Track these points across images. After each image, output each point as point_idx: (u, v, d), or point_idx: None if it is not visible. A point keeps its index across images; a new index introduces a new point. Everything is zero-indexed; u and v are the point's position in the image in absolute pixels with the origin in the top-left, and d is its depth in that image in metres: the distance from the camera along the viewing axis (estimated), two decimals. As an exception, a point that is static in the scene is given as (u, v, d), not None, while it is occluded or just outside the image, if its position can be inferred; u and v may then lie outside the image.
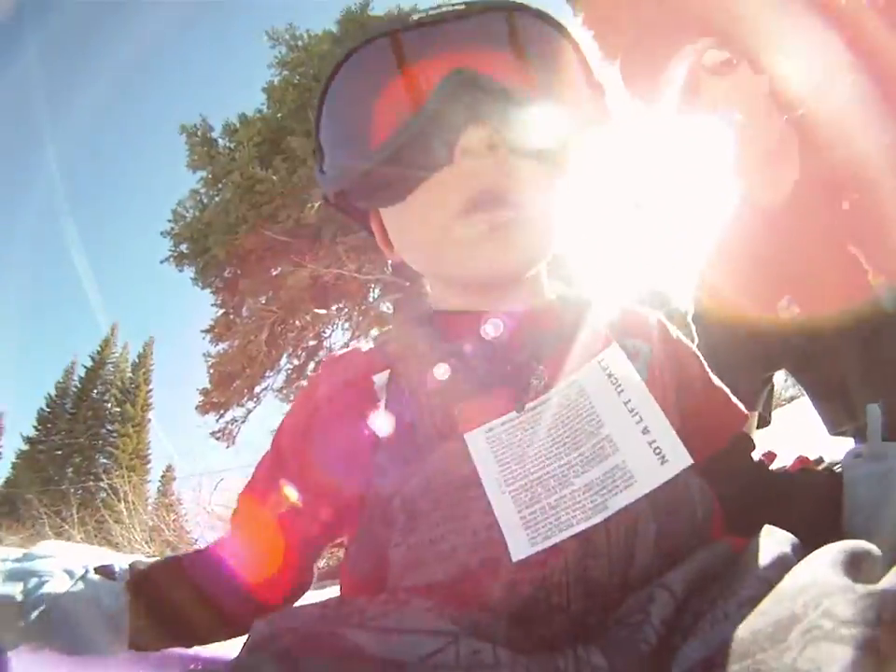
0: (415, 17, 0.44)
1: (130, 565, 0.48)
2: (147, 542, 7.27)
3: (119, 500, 8.45)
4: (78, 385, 22.39)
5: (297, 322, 8.16)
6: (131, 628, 0.44)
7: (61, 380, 22.41)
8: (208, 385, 8.52)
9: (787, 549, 0.35)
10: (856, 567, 0.30)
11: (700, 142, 0.98)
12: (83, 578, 0.45)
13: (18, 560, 0.46)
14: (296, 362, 8.71)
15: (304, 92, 8.56)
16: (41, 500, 12.18)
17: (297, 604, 0.46)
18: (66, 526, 8.42)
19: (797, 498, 0.49)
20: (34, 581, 0.43)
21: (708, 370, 0.55)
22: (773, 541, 0.36)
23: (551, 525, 0.36)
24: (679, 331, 0.56)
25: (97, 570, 0.46)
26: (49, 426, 22.02)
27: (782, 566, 0.32)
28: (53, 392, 22.24)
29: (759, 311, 0.99)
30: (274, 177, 7.64)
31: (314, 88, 8.68)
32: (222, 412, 8.63)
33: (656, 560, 0.37)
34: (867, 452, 0.48)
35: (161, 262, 8.72)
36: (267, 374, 8.47)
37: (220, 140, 8.93)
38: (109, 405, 22.32)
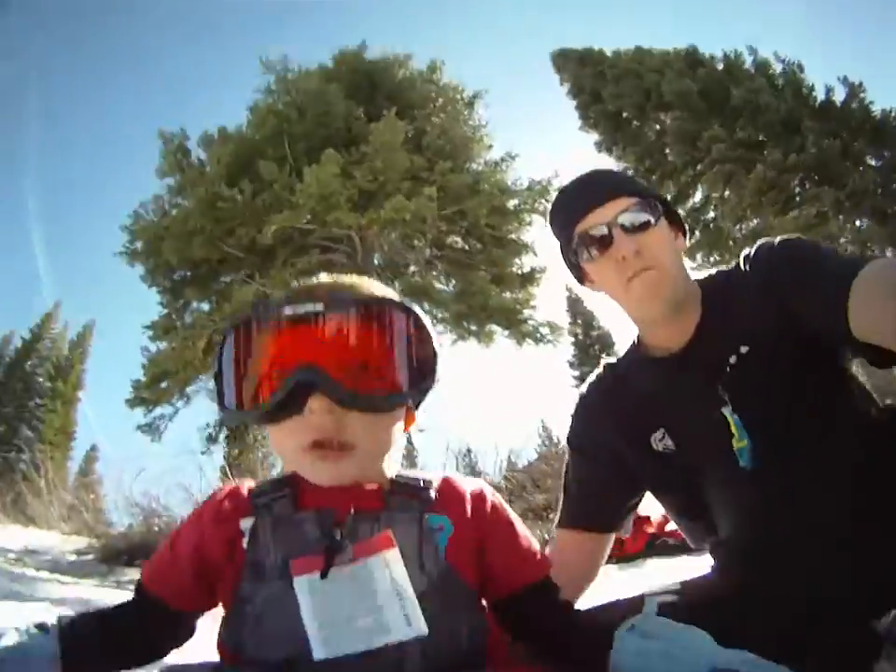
0: (285, 312, 0.61)
1: (58, 620, 0.64)
2: (64, 520, 7.03)
3: (39, 475, 8.09)
4: (12, 356, 21.64)
5: (237, 335, 8.23)
6: (64, 666, 0.60)
7: None
8: (141, 378, 8.53)
9: None
10: None
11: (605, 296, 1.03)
12: (27, 633, 0.60)
13: None
14: None
15: (283, 121, 8.87)
16: None
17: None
18: None
19: (575, 644, 0.64)
20: None
21: (518, 527, 0.71)
22: None
23: (339, 645, 0.56)
24: (495, 499, 0.71)
25: (37, 626, 0.62)
26: None
27: None
28: None
29: (634, 440, 1.03)
30: (239, 197, 7.84)
31: (293, 119, 9.02)
32: (151, 407, 8.66)
33: None
34: (638, 627, 0.58)
35: (115, 255, 8.82)
36: (200, 377, 8.49)
37: (195, 151, 9.16)
38: (41, 380, 21.71)
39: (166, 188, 8.84)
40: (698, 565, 1.08)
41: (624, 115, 12.27)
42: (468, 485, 0.71)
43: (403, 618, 0.57)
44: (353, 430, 0.61)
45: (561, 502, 1.15)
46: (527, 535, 0.71)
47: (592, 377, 1.14)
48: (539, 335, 9.22)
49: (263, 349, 0.64)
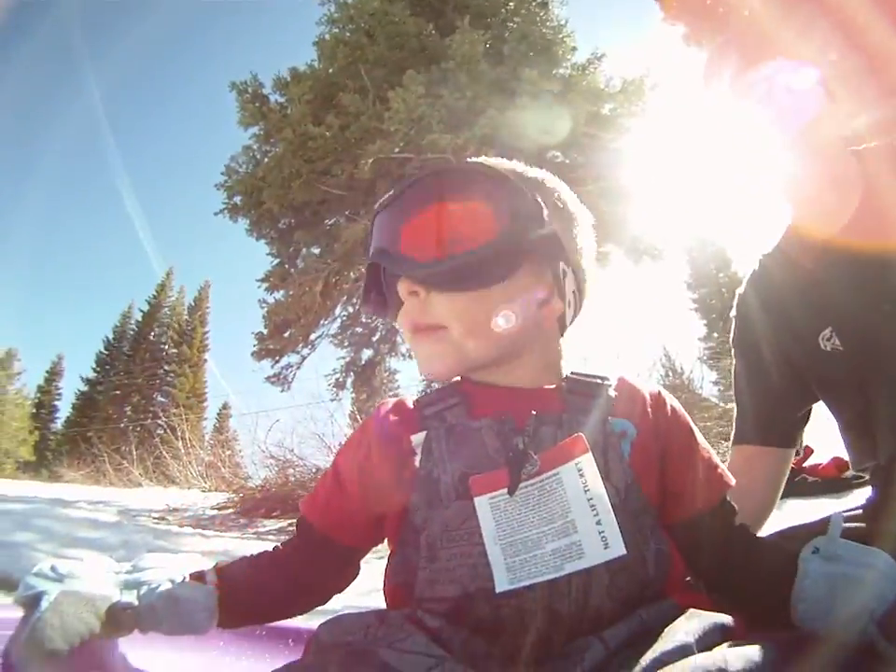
0: (381, 203, 0.63)
1: (215, 568, 0.61)
2: (202, 477, 7.41)
3: (176, 438, 8.66)
4: (135, 329, 23.06)
5: (351, 274, 8.40)
6: (221, 615, 0.58)
7: (118, 324, 23.24)
8: (263, 331, 8.85)
9: (711, 627, 0.48)
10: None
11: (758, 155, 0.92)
12: (183, 583, 0.58)
13: (129, 572, 0.58)
14: (350, 310, 8.96)
15: (355, 49, 8.57)
16: (100, 438, 13.03)
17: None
18: (125, 463, 8.82)
19: (757, 572, 0.59)
20: (145, 588, 0.56)
21: (699, 438, 0.64)
22: (701, 620, 0.49)
23: (525, 572, 0.50)
24: (674, 403, 0.64)
25: (192, 576, 0.59)
26: (107, 367, 23.06)
27: (688, 650, 0.44)
28: (111, 335, 23.09)
29: (801, 345, 0.96)
30: (327, 133, 7.77)
31: (364, 45, 8.65)
32: (277, 358, 9.00)
33: (608, 604, 0.51)
34: (823, 550, 0.54)
35: (216, 214, 9.03)
36: (321, 322, 8.76)
37: (272, 96, 9.03)
38: (166, 347, 22.94)
39: (253, 137, 8.85)
40: (841, 506, 0.99)
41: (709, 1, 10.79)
42: (645, 386, 0.65)
43: (599, 537, 0.51)
44: (439, 311, 0.59)
45: (735, 417, 1.08)
46: (708, 447, 0.64)
47: (750, 275, 1.07)
48: (656, 251, 8.71)
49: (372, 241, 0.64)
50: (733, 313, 1.09)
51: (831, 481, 2.69)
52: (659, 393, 0.65)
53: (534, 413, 0.57)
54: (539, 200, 0.61)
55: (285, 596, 0.63)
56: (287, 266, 8.71)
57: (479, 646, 0.50)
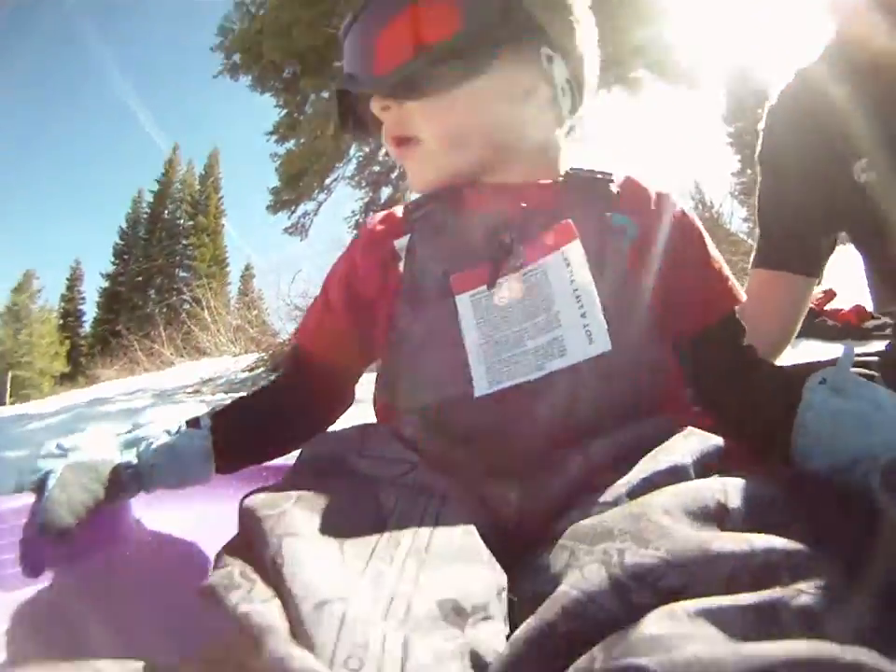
0: (348, 24, 0.60)
1: (210, 412, 0.60)
2: (232, 343, 7.20)
3: (202, 309, 8.43)
4: (148, 211, 22.70)
5: (365, 109, 8.40)
6: (218, 459, 0.58)
7: (130, 211, 22.88)
8: (277, 184, 8.92)
9: (710, 450, 0.44)
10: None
11: None
12: (178, 432, 0.58)
13: (128, 432, 0.58)
14: (366, 149, 8.76)
15: None
16: (129, 329, 12.47)
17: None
18: (156, 346, 8.55)
19: (760, 397, 0.54)
20: (143, 444, 0.56)
21: (711, 248, 0.59)
22: (698, 440, 0.45)
23: (505, 373, 0.49)
24: (685, 206, 0.60)
25: (188, 423, 0.58)
26: (125, 257, 22.96)
27: (682, 473, 0.40)
28: (124, 224, 22.89)
29: (833, 171, 0.91)
30: (325, -29, 7.39)
31: None
32: (293, 208, 9.07)
33: (595, 414, 0.48)
34: (830, 381, 0.49)
35: (214, 77, 8.95)
36: (336, 166, 8.82)
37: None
38: (181, 221, 22.59)
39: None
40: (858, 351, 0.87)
41: None
42: (653, 185, 0.61)
43: (584, 331, 0.48)
44: (412, 121, 0.58)
45: (758, 239, 1.02)
46: (718, 256, 0.60)
47: (783, 87, 0.98)
48: (690, 77, 8.13)
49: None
50: (761, 125, 1.01)
51: (850, 327, 2.46)
52: (669, 194, 0.60)
53: (524, 205, 0.55)
54: None
55: (281, 429, 0.62)
56: (295, 115, 8.78)
57: (457, 454, 0.48)
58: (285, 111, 9.09)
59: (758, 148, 1.02)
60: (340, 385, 0.67)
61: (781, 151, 0.98)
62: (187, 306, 11.27)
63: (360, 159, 9.16)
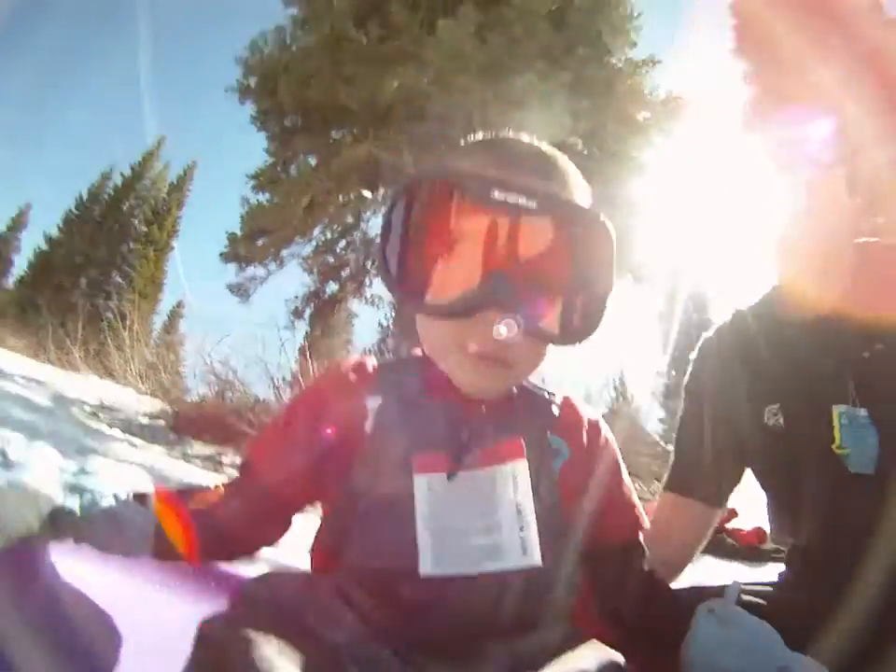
0: (494, 197, 0.51)
1: (157, 493, 0.59)
2: (141, 378, 7.26)
3: (124, 327, 8.42)
4: (111, 194, 22.07)
5: (340, 197, 8.04)
6: (153, 544, 0.56)
7: (95, 184, 22.15)
8: (237, 232, 8.51)
9: (609, 664, 0.52)
10: None
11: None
12: (126, 502, 0.55)
13: (75, 474, 0.56)
14: (328, 236, 8.67)
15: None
16: (49, 308, 12.58)
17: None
18: (69, 342, 8.54)
19: (654, 618, 0.61)
20: (88, 497, 0.53)
21: (624, 476, 0.66)
22: (600, 653, 0.53)
23: (449, 561, 0.52)
24: (609, 434, 0.67)
25: (135, 496, 0.57)
26: (73, 229, 21.93)
27: None
28: (85, 195, 22.03)
29: (747, 411, 0.97)
30: (364, 39, 7.36)
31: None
32: (244, 265, 8.67)
33: (516, 613, 0.53)
34: (718, 612, 0.56)
35: (226, 91, 8.55)
36: (297, 239, 8.43)
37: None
38: (137, 222, 22.02)
39: (289, 18, 8.29)
40: (754, 575, 1.03)
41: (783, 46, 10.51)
42: (586, 412, 0.67)
43: (520, 543, 0.53)
44: (519, 352, 0.56)
45: (671, 462, 1.08)
46: (630, 486, 0.68)
47: (720, 324, 1.08)
48: (640, 272, 8.54)
49: (453, 226, 0.55)
50: (693, 355, 1.09)
51: (749, 548, 2.74)
52: (598, 421, 0.67)
53: (483, 408, 0.59)
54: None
55: (218, 542, 0.61)
56: (279, 169, 8.32)
57: (398, 625, 0.52)
58: (272, 161, 8.51)
59: (686, 378, 1.09)
60: (281, 514, 0.65)
61: (705, 386, 1.04)
62: (111, 315, 10.98)
63: (320, 243, 8.86)
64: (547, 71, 7.11)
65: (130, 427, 4.57)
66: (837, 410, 0.85)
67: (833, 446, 0.84)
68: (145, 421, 5.13)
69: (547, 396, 0.64)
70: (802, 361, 0.92)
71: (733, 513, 2.89)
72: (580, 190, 0.60)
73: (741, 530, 2.83)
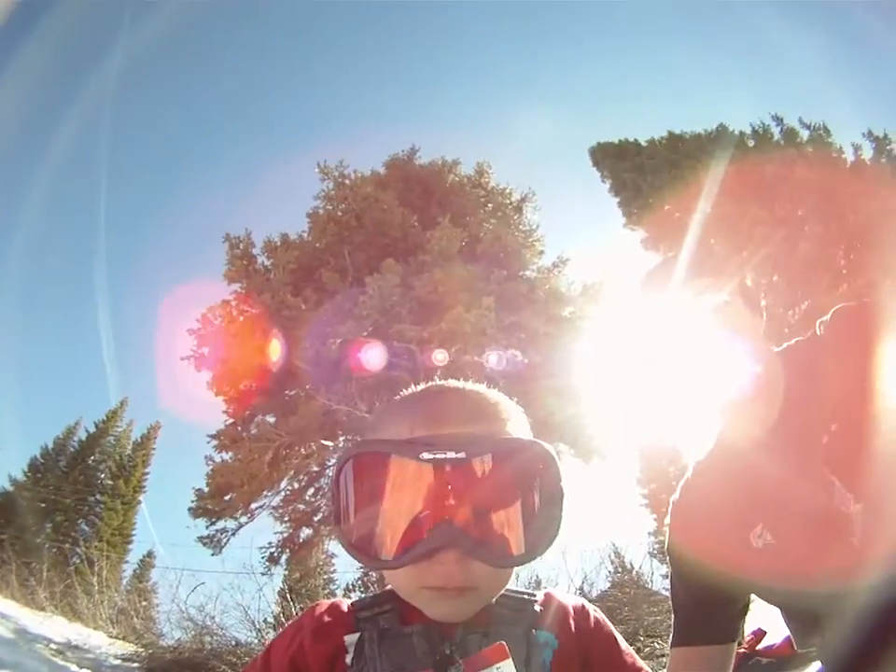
0: (424, 457, 0.57)
1: None
2: (112, 622, 7.04)
3: (92, 572, 8.26)
4: (76, 447, 21.97)
5: (302, 450, 8.25)
6: None
7: (61, 436, 22.03)
8: (204, 489, 8.48)
9: None
10: None
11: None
12: None
13: None
14: (295, 486, 8.72)
15: (343, 229, 9.20)
16: (13, 546, 11.97)
17: None
18: (33, 581, 8.18)
19: None
20: None
21: (621, 643, 0.69)
22: None
23: None
24: (597, 614, 0.70)
25: None
26: (38, 475, 21.34)
27: None
28: (51, 445, 21.75)
29: (732, 541, 0.99)
30: (303, 306, 8.11)
31: (353, 226, 9.34)
32: (214, 519, 8.56)
33: None
34: None
35: (182, 359, 8.90)
36: (265, 493, 8.44)
37: (259, 257, 9.44)
38: (102, 476, 21.86)
39: (233, 294, 9.02)
40: None
41: (666, 207, 12.27)
42: (569, 600, 0.71)
43: None
44: (478, 575, 0.59)
45: (672, 621, 1.10)
46: (631, 651, 0.70)
47: (682, 482, 1.13)
48: (605, 450, 8.88)
49: (391, 489, 0.60)
50: (667, 520, 1.12)
51: (785, 658, 2.59)
52: (583, 606, 0.70)
53: (462, 624, 0.61)
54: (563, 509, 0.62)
55: None
56: (239, 429, 8.56)
57: None
58: (231, 421, 8.77)
59: (665, 541, 1.12)
60: None
61: (685, 542, 1.06)
62: (78, 561, 10.96)
63: (288, 493, 8.86)
64: (470, 301, 7.91)
65: (99, 668, 4.53)
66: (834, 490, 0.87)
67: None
68: (116, 662, 5.02)
69: (527, 597, 0.67)
70: (769, 472, 0.94)
71: (760, 634, 2.79)
72: (512, 419, 0.65)
73: (773, 645, 2.71)
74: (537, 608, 0.67)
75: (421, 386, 0.71)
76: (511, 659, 0.57)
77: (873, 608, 0.83)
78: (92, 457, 22.01)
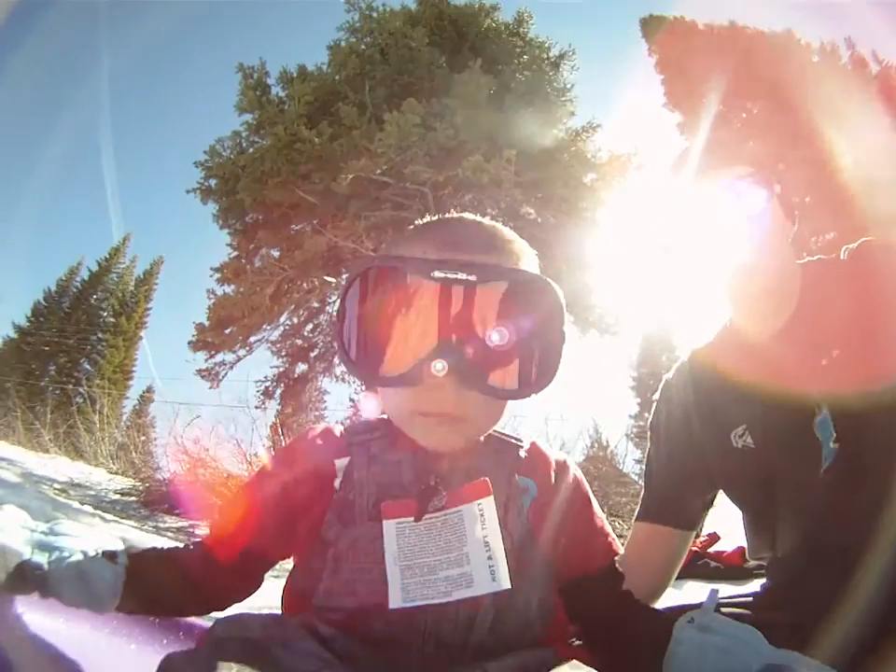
0: (435, 275, 0.56)
1: (127, 551, 0.61)
2: (112, 458, 7.23)
3: (94, 411, 8.47)
4: (79, 287, 22.04)
5: (305, 284, 8.20)
6: (122, 599, 0.58)
7: (63, 277, 22.11)
8: (205, 322, 8.55)
9: None
10: None
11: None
12: (94, 558, 0.58)
13: (45, 533, 0.59)
14: (295, 321, 8.75)
15: (366, 63, 8.53)
16: (18, 392, 12.32)
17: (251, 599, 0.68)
18: (38, 425, 8.48)
19: (634, 635, 0.64)
20: (56, 554, 0.56)
21: (595, 507, 0.71)
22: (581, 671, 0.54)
23: (418, 593, 0.56)
24: (577, 472, 0.72)
25: (104, 554, 0.59)
26: (41, 319, 21.73)
27: None
28: (53, 287, 21.94)
29: (715, 434, 1.00)
30: (317, 139, 7.66)
31: (376, 61, 8.65)
32: (213, 352, 8.70)
33: (490, 638, 0.57)
34: (697, 620, 0.58)
35: (188, 192, 8.74)
36: (264, 326, 8.49)
37: (274, 88, 8.86)
38: (105, 314, 22.01)
39: (244, 124, 8.61)
40: (737, 592, 1.06)
41: (711, 97, 11.34)
42: (553, 454, 0.72)
43: (488, 570, 0.57)
44: (471, 406, 0.60)
45: (642, 494, 1.14)
46: (602, 515, 0.73)
47: (679, 363, 1.13)
48: (604, 325, 8.77)
49: (399, 306, 0.59)
50: (656, 396, 1.15)
51: (732, 568, 2.69)
52: (565, 461, 0.72)
53: (449, 457, 0.63)
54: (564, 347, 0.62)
55: (187, 597, 0.65)
56: (243, 262, 8.44)
57: (367, 656, 0.55)
58: (235, 254, 8.65)
59: (651, 418, 1.15)
60: (252, 571, 0.68)
61: (669, 421, 1.10)
62: (80, 400, 11.21)
63: (287, 328, 8.94)
64: (491, 151, 7.49)
65: (100, 504, 4.60)
66: (819, 415, 0.89)
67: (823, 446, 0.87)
68: (115, 497, 5.17)
69: (514, 441, 0.69)
70: (762, 378, 0.94)
71: (714, 538, 2.86)
72: (524, 257, 0.64)
73: (723, 552, 2.78)
74: (522, 453, 0.68)
75: (437, 216, 0.69)
76: (492, 496, 0.60)
77: (839, 506, 0.85)
78: (95, 296, 22.15)
